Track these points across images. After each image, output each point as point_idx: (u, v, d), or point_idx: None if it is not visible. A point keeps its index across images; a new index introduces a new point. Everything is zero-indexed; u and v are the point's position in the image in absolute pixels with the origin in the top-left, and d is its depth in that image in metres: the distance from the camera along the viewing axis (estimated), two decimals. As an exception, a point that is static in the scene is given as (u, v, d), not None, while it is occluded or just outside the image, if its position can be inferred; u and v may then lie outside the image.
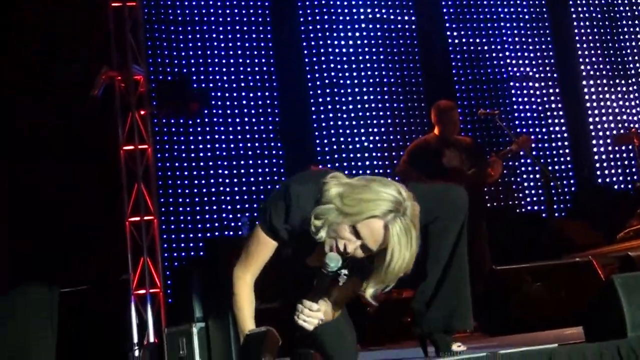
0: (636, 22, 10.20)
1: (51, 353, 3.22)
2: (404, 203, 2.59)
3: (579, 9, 10.08)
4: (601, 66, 10.01)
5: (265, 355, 2.50)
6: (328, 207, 2.63)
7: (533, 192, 9.47)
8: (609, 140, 9.73)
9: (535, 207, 9.44)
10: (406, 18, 9.49)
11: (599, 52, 10.04)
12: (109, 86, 7.44)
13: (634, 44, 10.15)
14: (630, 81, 10.04)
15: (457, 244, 3.23)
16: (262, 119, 8.69)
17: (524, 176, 9.48)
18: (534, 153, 9.15)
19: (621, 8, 10.20)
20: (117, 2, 7.72)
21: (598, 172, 9.74)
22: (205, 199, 8.33)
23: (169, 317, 6.86)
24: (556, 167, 9.61)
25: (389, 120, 9.04)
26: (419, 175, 6.22)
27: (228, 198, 8.42)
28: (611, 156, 9.82)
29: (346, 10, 9.20)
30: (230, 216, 8.35)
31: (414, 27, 9.51)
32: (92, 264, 7.12)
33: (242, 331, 2.75)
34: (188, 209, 8.25)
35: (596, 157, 9.79)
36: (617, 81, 10.01)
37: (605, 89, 9.97)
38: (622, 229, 6.96)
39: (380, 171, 8.64)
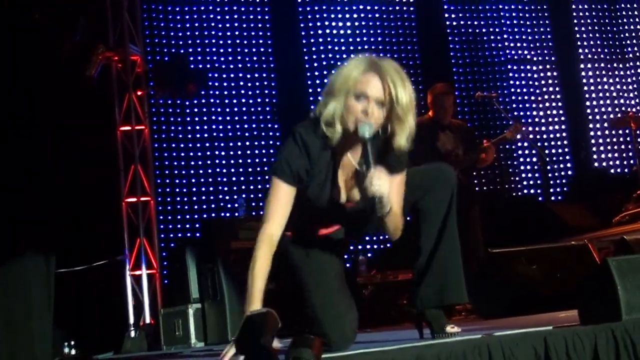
0: (634, 5, 10.17)
1: (49, 329, 3.24)
2: (378, 57, 2.95)
3: (577, -9, 10.06)
4: (599, 50, 10.00)
5: (264, 337, 2.52)
6: (328, 108, 2.90)
7: (530, 175, 9.49)
8: (606, 124, 9.73)
9: (532, 191, 9.46)
10: (404, 0, 9.47)
11: (597, 35, 10.03)
12: (105, 66, 7.41)
13: (632, 27, 10.14)
14: (627, 65, 10.03)
15: (447, 217, 3.24)
16: (259, 100, 8.69)
17: (521, 160, 9.50)
18: (531, 136, 9.16)
19: (619, -10, 10.19)
20: (114, -18, 7.69)
21: (595, 156, 9.75)
22: (202, 180, 8.34)
23: (165, 298, 6.88)
24: (553, 151, 9.62)
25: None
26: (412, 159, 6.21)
27: (225, 179, 8.43)
28: (608, 140, 9.84)
29: (345, -8, 9.18)
30: (227, 197, 8.36)
31: (412, 9, 9.48)
32: (89, 244, 7.12)
33: (247, 304, 2.79)
34: (184, 189, 8.26)
35: (593, 141, 9.80)
36: (615, 65, 10.00)
37: (603, 72, 9.96)
38: (618, 212, 6.99)
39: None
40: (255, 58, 8.77)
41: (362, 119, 2.86)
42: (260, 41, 8.80)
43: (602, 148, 9.81)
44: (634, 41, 10.10)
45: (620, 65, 10.01)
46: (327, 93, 2.95)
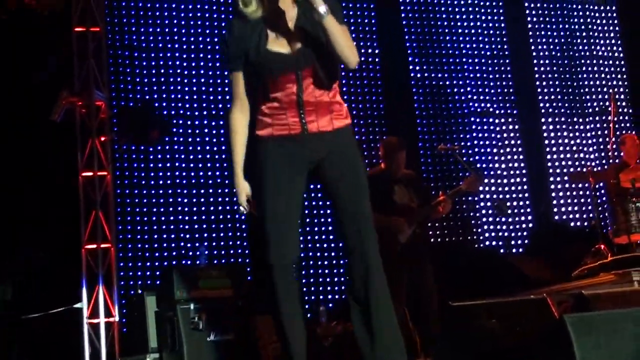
0: (594, 62, 10.39)
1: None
2: None
3: (539, 47, 10.27)
4: (559, 104, 10.20)
5: None
6: None
7: (491, 227, 9.55)
8: (566, 178, 9.85)
9: (493, 243, 9.51)
10: (370, 51, 9.59)
11: (557, 90, 10.23)
12: (69, 111, 7.39)
13: (592, 83, 10.35)
14: (587, 119, 10.22)
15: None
16: (223, 147, 8.66)
17: (482, 212, 9.57)
18: (492, 189, 9.26)
19: (580, 47, 10.40)
20: (81, 27, 7.70)
21: (555, 209, 9.86)
22: (164, 227, 8.26)
23: (123, 347, 6.78)
24: (514, 203, 9.72)
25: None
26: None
27: (187, 227, 8.36)
28: (568, 193, 9.95)
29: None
30: (189, 245, 8.29)
31: (377, 60, 9.60)
32: (46, 291, 7.03)
33: (233, 176, 3.50)
34: (146, 236, 8.17)
35: (553, 194, 9.91)
36: (575, 119, 10.18)
37: (564, 127, 10.14)
38: (577, 266, 7.07)
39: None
40: (220, 105, 8.77)
41: None
42: (226, 89, 8.81)
43: (562, 201, 9.92)
44: (594, 96, 10.30)
45: (581, 120, 10.19)
46: None
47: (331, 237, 8.85)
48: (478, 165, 9.56)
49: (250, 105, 3.52)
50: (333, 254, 8.80)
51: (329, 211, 8.40)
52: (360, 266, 3.41)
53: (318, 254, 8.81)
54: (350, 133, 3.54)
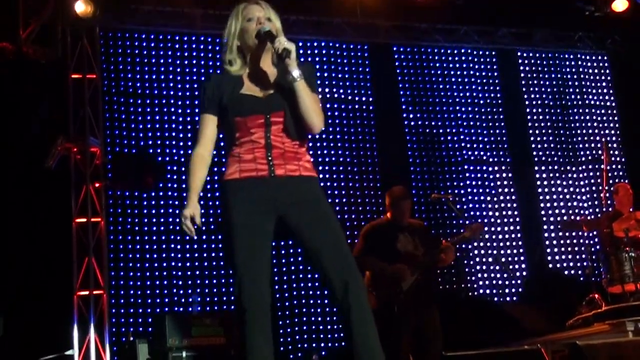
0: (586, 111, 10.50)
1: None
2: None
3: (532, 95, 10.35)
4: (552, 153, 10.24)
5: None
6: (227, 54, 3.58)
7: (485, 275, 9.52)
8: (559, 226, 9.85)
9: (487, 291, 9.48)
10: (364, 99, 9.66)
11: (550, 139, 10.27)
12: (64, 157, 7.43)
13: (584, 131, 10.42)
14: (580, 168, 10.26)
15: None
16: (216, 194, 8.64)
17: (477, 259, 9.54)
18: (486, 237, 9.26)
19: (572, 96, 10.48)
20: (77, 74, 7.81)
21: (549, 258, 9.84)
22: (157, 273, 8.22)
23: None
24: (508, 251, 9.71)
25: (344, 200, 9.11)
26: (375, 262, 6.35)
27: (179, 274, 8.33)
28: (562, 242, 9.93)
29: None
30: (181, 292, 8.25)
31: (371, 108, 9.67)
32: (37, 337, 6.98)
33: (187, 197, 3.52)
34: (138, 283, 8.13)
35: (547, 243, 9.89)
36: (568, 168, 10.22)
37: (557, 175, 10.17)
38: (572, 315, 7.06)
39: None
40: (214, 152, 8.75)
41: (258, 26, 3.51)
42: (220, 135, 8.75)
43: (556, 250, 9.90)
44: (586, 145, 10.36)
45: (574, 168, 10.24)
46: (224, 47, 3.62)
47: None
48: (472, 214, 9.58)
49: (226, 152, 3.61)
50: (326, 301, 8.76)
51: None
52: (353, 315, 3.35)
53: (311, 301, 8.78)
54: (318, 185, 3.59)
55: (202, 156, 3.62)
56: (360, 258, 6.29)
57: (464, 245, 9.17)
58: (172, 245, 8.37)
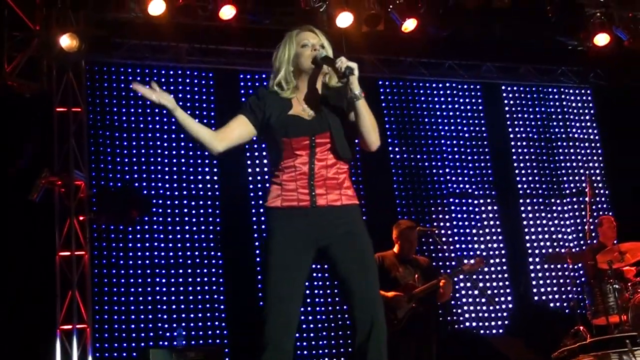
0: (570, 144, 10.58)
1: None
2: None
3: (517, 129, 10.42)
4: (537, 185, 10.30)
5: None
6: (279, 75, 3.65)
7: (471, 308, 9.52)
8: (544, 259, 9.86)
9: (473, 324, 9.47)
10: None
11: (535, 171, 10.34)
12: (48, 190, 7.42)
13: (568, 164, 10.49)
14: (564, 201, 10.32)
15: None
16: (202, 227, 8.66)
17: (462, 292, 9.54)
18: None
19: (556, 130, 10.57)
20: (62, 107, 7.83)
21: (534, 290, 9.85)
22: (141, 307, 8.17)
23: None
24: (494, 284, 9.72)
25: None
26: None
27: (164, 307, 8.28)
28: (547, 274, 9.96)
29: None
30: (166, 326, 8.20)
31: (356, 142, 9.65)
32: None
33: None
34: (123, 317, 8.08)
35: (532, 275, 9.92)
36: (553, 200, 10.28)
37: (542, 207, 10.22)
38: (557, 347, 7.07)
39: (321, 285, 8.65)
40: (200, 186, 8.81)
41: (314, 52, 3.59)
42: (206, 169, 8.86)
43: (541, 282, 9.92)
44: (571, 178, 10.42)
45: (558, 201, 10.29)
46: (274, 72, 3.68)
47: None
48: (457, 247, 9.61)
49: (269, 175, 3.67)
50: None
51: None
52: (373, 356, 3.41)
53: (332, 334, 8.78)
54: (359, 213, 3.61)
55: (214, 134, 3.62)
56: None
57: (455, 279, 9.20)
58: (157, 279, 8.33)
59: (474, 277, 9.08)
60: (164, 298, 8.32)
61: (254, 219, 8.90)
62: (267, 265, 3.47)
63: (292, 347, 3.42)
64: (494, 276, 9.75)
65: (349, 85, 3.46)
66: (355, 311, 3.43)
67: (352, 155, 3.62)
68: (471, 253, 9.62)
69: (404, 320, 6.47)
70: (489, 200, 10.03)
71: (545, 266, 9.89)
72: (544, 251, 9.97)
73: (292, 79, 3.63)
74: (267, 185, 3.63)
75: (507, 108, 10.46)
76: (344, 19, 8.18)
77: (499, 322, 9.56)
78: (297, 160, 3.51)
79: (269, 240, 3.50)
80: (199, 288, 8.47)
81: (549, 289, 9.90)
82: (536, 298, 9.81)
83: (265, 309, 3.40)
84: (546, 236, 10.11)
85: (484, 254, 9.69)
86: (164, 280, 8.36)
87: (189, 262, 8.51)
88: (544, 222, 10.16)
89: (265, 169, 9.11)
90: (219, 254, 8.68)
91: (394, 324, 6.43)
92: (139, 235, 8.37)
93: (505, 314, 9.62)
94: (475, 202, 9.96)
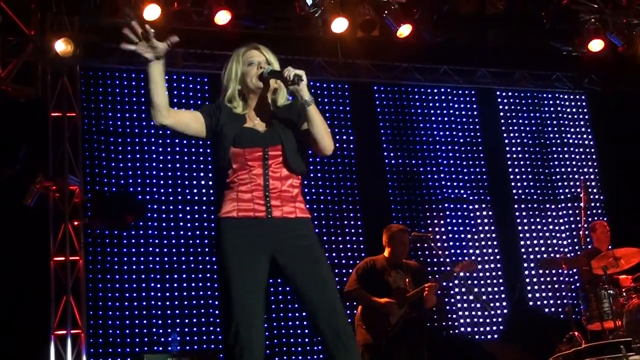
0: (565, 149, 10.61)
1: None
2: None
3: (511, 134, 10.46)
4: (532, 191, 10.33)
5: None
6: (227, 93, 3.70)
7: (466, 313, 9.53)
8: (538, 264, 9.78)
9: (468, 329, 9.49)
10: (344, 138, 9.71)
11: (529, 177, 10.38)
12: (42, 195, 7.41)
13: (563, 170, 10.53)
14: (559, 206, 10.36)
15: None
16: (197, 232, 8.66)
17: (457, 297, 9.56)
18: (467, 274, 9.27)
19: (551, 135, 10.62)
20: (57, 112, 7.82)
21: (529, 295, 9.87)
22: (136, 312, 8.17)
23: None
24: (488, 289, 9.74)
25: (325, 238, 9.10)
26: (365, 295, 6.56)
27: (159, 313, 8.28)
28: (542, 279, 9.98)
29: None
30: (161, 331, 8.20)
31: (352, 146, 9.72)
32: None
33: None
34: (117, 322, 8.08)
35: (527, 280, 9.94)
36: (547, 206, 10.31)
37: (536, 212, 10.25)
38: (552, 353, 7.08)
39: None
40: (195, 191, 8.81)
41: (260, 69, 3.66)
42: (202, 174, 8.87)
43: (536, 287, 9.95)
44: (565, 183, 10.46)
45: (553, 207, 10.32)
46: (223, 90, 3.74)
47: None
48: (452, 252, 9.63)
49: (221, 186, 3.66)
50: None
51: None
52: None
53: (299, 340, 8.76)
54: (312, 227, 3.67)
55: (167, 103, 3.63)
56: (352, 291, 6.47)
57: (444, 283, 9.21)
58: (152, 284, 8.33)
59: (469, 282, 9.21)
60: (159, 303, 8.31)
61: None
62: (225, 275, 3.49)
63: (261, 350, 3.44)
64: (488, 281, 9.79)
65: (299, 93, 3.53)
66: (320, 324, 3.48)
67: (305, 170, 3.68)
68: (466, 258, 9.53)
69: (397, 327, 6.48)
70: (483, 206, 10.06)
71: (540, 271, 9.92)
72: (538, 256, 10.00)
73: (239, 98, 3.71)
74: (221, 197, 3.64)
75: (502, 113, 10.51)
76: (339, 25, 8.19)
77: (494, 328, 9.59)
78: (252, 172, 3.56)
79: (225, 250, 3.51)
80: (193, 293, 8.47)
81: (543, 294, 9.94)
82: (531, 303, 9.83)
83: (233, 318, 3.43)
84: (541, 241, 10.15)
85: (479, 259, 9.75)
86: (158, 286, 8.35)
87: (184, 267, 8.50)
88: (539, 227, 10.20)
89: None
90: (213, 259, 8.64)
91: (387, 330, 6.45)
92: (133, 240, 8.37)
93: (500, 320, 9.65)
94: (470, 207, 9.99)
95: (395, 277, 6.72)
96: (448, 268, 6.94)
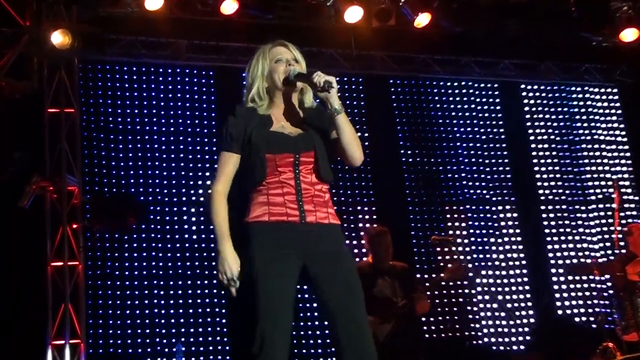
0: (595, 146, 10.57)
1: None
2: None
3: (537, 130, 10.40)
4: (560, 191, 10.26)
5: None
6: (252, 91, 3.75)
7: (490, 323, 9.48)
8: (568, 270, 9.81)
9: (492, 340, 9.44)
10: (358, 134, 9.55)
11: (557, 176, 10.31)
12: (39, 197, 7.42)
13: (593, 169, 10.47)
14: (589, 208, 10.30)
15: None
16: (203, 236, 8.62)
17: (480, 306, 9.50)
18: (490, 281, 9.27)
19: (580, 131, 10.57)
20: (54, 108, 7.83)
21: (558, 303, 9.81)
22: (138, 321, 8.16)
23: None
24: (514, 297, 9.69)
25: (347, 242, 9.01)
26: None
27: (163, 321, 8.26)
28: (572, 286, 9.91)
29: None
30: (164, 341, 8.19)
31: (366, 143, 9.64)
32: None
33: (221, 244, 3.58)
34: (119, 332, 8.07)
35: (555, 287, 9.87)
36: (577, 207, 10.26)
37: (565, 215, 10.18)
38: (583, 365, 7.07)
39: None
40: (200, 191, 8.78)
41: (288, 67, 3.71)
42: (207, 174, 8.79)
43: (565, 295, 9.88)
44: (596, 183, 10.40)
45: (582, 208, 10.27)
46: (247, 87, 3.80)
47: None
48: (474, 256, 9.58)
49: (244, 191, 3.70)
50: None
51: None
52: None
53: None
54: (342, 234, 3.73)
55: (225, 195, 3.67)
56: None
57: (466, 291, 9.19)
58: (155, 291, 8.31)
59: (492, 289, 9.16)
60: (162, 311, 8.29)
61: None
62: (254, 274, 3.51)
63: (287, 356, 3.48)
64: (514, 289, 9.72)
65: (328, 100, 3.57)
66: (342, 339, 3.49)
67: (332, 178, 3.73)
68: (489, 264, 9.62)
69: (387, 341, 6.47)
70: (507, 207, 10.00)
71: (570, 278, 9.86)
72: (567, 262, 9.93)
73: (265, 95, 3.76)
74: (248, 201, 3.68)
75: (526, 108, 10.46)
76: (353, 14, 8.20)
77: (520, 338, 9.53)
78: (281, 177, 3.60)
79: (255, 254, 3.54)
80: (199, 301, 8.44)
81: (573, 302, 9.87)
82: (560, 312, 9.78)
83: (260, 321, 3.46)
84: (570, 245, 10.07)
85: (503, 264, 9.70)
86: (162, 292, 8.33)
87: (189, 272, 8.48)
88: (568, 230, 10.12)
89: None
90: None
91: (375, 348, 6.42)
92: (135, 244, 8.36)
93: (526, 329, 9.58)
94: (493, 209, 9.94)
95: (381, 286, 6.72)
96: (470, 275, 6.90)
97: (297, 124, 3.73)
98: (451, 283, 7.01)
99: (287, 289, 3.52)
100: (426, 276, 8.94)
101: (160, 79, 8.96)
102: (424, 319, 8.51)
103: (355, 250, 8.98)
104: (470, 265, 9.06)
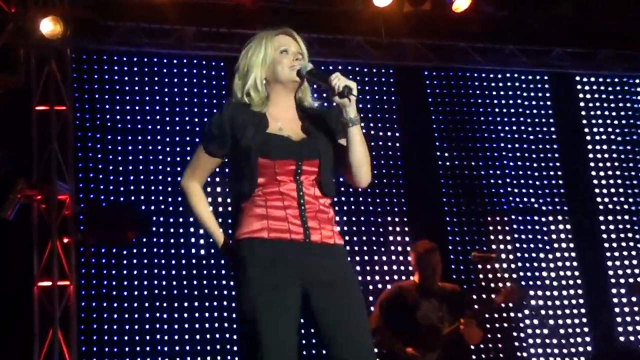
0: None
1: None
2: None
3: (594, 129, 10.31)
4: (621, 199, 10.15)
5: None
6: (249, 81, 3.63)
7: (539, 350, 9.39)
8: (631, 289, 9.77)
9: (542, 369, 9.47)
10: (389, 134, 9.64)
11: (618, 182, 10.20)
12: (25, 206, 7.39)
13: (660, 173, 10.45)
14: (656, 217, 10.26)
15: None
16: (211, 251, 8.55)
17: (529, 331, 9.42)
18: (540, 303, 9.17)
19: (641, 130, 10.58)
20: (43, 106, 7.82)
21: (619, 329, 9.74)
22: (138, 348, 8.11)
23: None
24: (568, 321, 9.58)
25: (366, 258, 8.99)
26: (388, 340, 6.64)
27: (166, 348, 8.20)
28: (635, 309, 9.84)
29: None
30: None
31: (397, 144, 9.60)
32: None
33: (217, 241, 3.67)
34: (115, 359, 8.04)
35: (617, 310, 9.80)
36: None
37: (627, 226, 10.08)
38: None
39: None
40: (210, 199, 8.70)
41: (295, 62, 3.63)
42: (217, 179, 8.75)
43: (627, 319, 9.82)
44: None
45: (647, 219, 10.25)
46: (240, 75, 3.70)
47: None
48: (522, 275, 9.49)
49: (235, 201, 3.66)
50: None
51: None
52: None
53: None
54: (347, 256, 3.67)
55: (195, 186, 3.73)
56: (374, 333, 6.41)
57: (512, 315, 9.08)
58: (157, 314, 8.28)
59: (542, 312, 9.08)
60: (165, 337, 8.25)
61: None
62: (252, 301, 3.41)
63: None
64: (567, 311, 9.64)
65: (345, 108, 3.46)
66: None
67: (334, 194, 3.63)
68: (538, 283, 9.56)
69: None
70: (559, 218, 9.91)
71: (633, 299, 9.78)
72: (630, 280, 9.85)
73: (262, 89, 3.65)
74: (239, 212, 3.58)
75: (582, 103, 10.38)
76: (383, -3, 8.21)
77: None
78: (282, 187, 3.50)
79: (249, 272, 3.44)
80: (207, 325, 8.40)
81: (637, 327, 9.79)
82: (622, 338, 9.70)
83: (259, 353, 3.39)
84: (634, 262, 9.97)
85: (555, 283, 9.61)
86: (165, 316, 8.30)
87: (195, 292, 8.45)
88: (630, 244, 10.02)
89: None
90: (231, 283, 8.59)
91: None
92: (135, 261, 8.32)
93: (582, 358, 9.50)
94: (543, 219, 9.85)
95: (427, 309, 6.77)
96: (491, 299, 6.92)
97: (297, 126, 3.63)
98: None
99: (290, 321, 3.43)
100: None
101: (165, 70, 8.95)
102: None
103: (385, 267, 8.90)
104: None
